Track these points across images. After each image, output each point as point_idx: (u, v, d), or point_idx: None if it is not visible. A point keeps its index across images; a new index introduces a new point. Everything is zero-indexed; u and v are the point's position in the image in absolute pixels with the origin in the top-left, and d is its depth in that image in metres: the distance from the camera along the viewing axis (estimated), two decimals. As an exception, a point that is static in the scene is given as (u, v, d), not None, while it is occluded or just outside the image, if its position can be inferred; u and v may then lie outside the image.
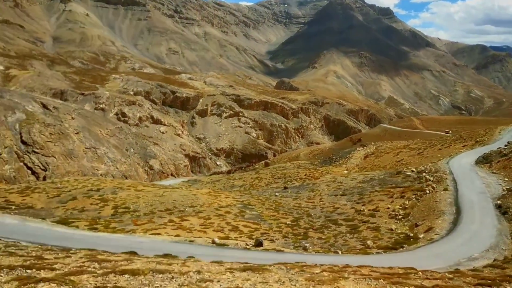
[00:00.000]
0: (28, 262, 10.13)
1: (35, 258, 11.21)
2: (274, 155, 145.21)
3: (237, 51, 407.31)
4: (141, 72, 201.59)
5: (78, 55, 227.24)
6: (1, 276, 8.52)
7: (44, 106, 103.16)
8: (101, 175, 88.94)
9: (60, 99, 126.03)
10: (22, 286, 7.22)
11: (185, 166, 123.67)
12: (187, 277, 8.79)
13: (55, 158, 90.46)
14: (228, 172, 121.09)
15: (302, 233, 28.98)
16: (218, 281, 8.70)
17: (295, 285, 9.22)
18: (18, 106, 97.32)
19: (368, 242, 26.19)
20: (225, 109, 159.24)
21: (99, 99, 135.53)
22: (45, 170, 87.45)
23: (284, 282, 9.34)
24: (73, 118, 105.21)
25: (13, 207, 30.74)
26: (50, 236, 22.39)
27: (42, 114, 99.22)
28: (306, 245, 25.49)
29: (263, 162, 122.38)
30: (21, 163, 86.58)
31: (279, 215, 33.23)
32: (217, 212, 31.58)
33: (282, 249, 23.56)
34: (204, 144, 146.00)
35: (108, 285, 7.94)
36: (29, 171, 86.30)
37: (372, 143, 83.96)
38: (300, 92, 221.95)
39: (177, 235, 24.77)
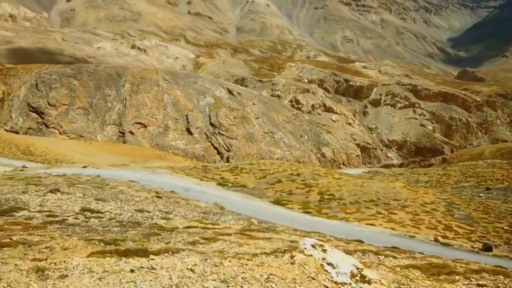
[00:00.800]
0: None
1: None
2: (452, 151, 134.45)
3: (415, 39, 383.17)
4: (316, 60, 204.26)
5: (257, 44, 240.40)
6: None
7: (230, 91, 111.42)
8: (276, 159, 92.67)
9: (240, 85, 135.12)
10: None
11: (356, 156, 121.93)
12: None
13: (237, 140, 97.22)
14: (400, 166, 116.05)
15: (526, 243, 25.88)
16: None
17: None
18: (208, 91, 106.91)
19: None
20: (399, 99, 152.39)
21: (276, 86, 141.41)
22: (228, 151, 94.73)
23: None
24: (254, 104, 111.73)
25: (229, 184, 33.87)
26: (275, 215, 23.76)
27: (228, 99, 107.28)
28: (539, 257, 22.61)
29: (439, 157, 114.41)
30: (209, 143, 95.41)
31: (491, 218, 30.28)
32: (424, 209, 30.13)
33: (515, 257, 21.28)
34: (375, 134, 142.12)
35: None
36: (215, 151, 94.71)
37: None
38: (486, 83, 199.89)
39: (392, 228, 24.29)
